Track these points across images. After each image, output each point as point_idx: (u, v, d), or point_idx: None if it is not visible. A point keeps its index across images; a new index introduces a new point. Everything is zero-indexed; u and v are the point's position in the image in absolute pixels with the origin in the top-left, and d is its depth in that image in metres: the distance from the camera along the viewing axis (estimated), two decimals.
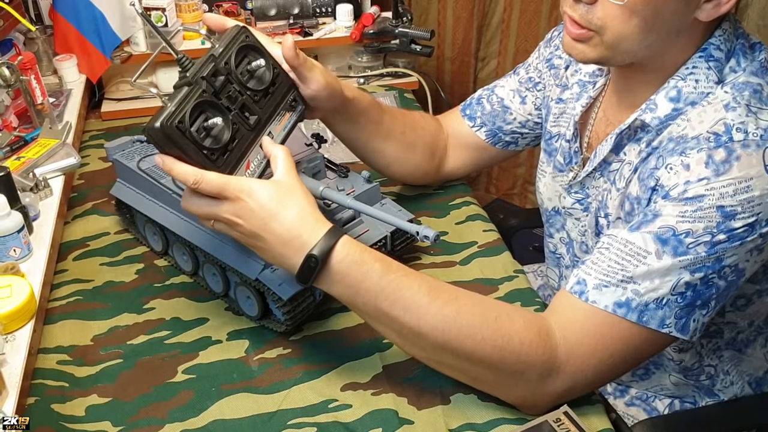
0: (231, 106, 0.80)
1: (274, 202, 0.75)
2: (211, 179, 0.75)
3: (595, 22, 0.78)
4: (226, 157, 0.78)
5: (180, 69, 0.79)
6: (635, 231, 0.77)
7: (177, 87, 0.77)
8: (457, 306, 0.76)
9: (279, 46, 0.88)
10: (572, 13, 0.80)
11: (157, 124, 0.73)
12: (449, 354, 0.77)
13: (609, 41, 0.79)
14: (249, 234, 0.76)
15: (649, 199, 0.79)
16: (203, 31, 0.91)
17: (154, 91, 0.81)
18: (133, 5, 0.84)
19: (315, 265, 0.74)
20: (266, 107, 0.84)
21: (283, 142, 0.86)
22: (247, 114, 0.81)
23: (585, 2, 0.78)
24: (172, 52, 0.81)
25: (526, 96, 1.09)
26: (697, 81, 0.81)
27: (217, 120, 0.78)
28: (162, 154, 0.77)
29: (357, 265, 0.75)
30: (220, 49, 0.80)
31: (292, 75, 0.88)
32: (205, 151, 0.76)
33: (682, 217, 0.74)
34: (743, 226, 0.73)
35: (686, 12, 0.77)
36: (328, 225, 0.76)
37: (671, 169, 0.77)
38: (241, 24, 0.85)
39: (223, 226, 0.78)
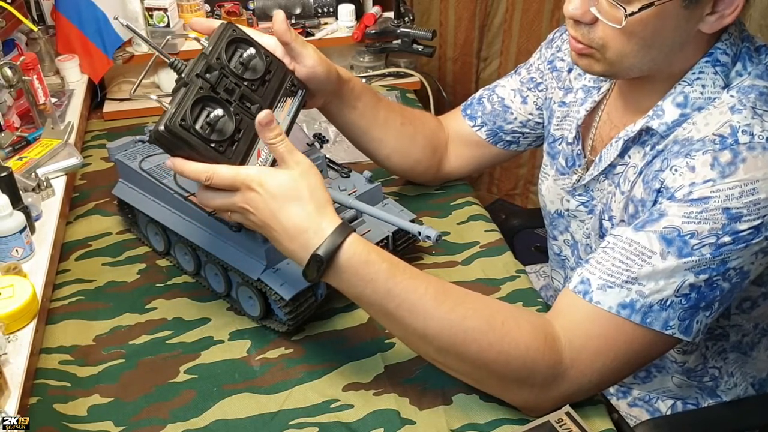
0: (230, 98, 0.80)
1: (282, 193, 0.75)
2: (223, 172, 0.76)
3: (596, 41, 0.79)
4: (234, 147, 0.79)
5: (176, 72, 0.81)
6: (640, 230, 0.77)
7: (175, 90, 0.79)
8: (464, 310, 0.76)
9: (268, 36, 0.89)
10: (574, 33, 0.81)
11: (162, 127, 0.74)
12: (454, 357, 0.77)
13: (611, 58, 0.80)
14: (260, 224, 0.77)
15: (655, 201, 0.79)
16: (192, 35, 0.92)
17: (154, 97, 0.82)
18: (117, 18, 0.86)
19: (320, 264, 0.74)
20: (266, 95, 0.84)
21: (289, 129, 0.87)
22: (248, 104, 0.82)
23: (585, 23, 0.79)
24: (164, 57, 0.83)
25: (527, 96, 1.09)
26: (704, 86, 0.80)
27: (219, 111, 0.78)
28: (172, 157, 0.77)
29: (364, 265, 0.75)
30: (210, 47, 0.82)
31: (285, 61, 0.89)
32: (212, 144, 0.77)
33: (687, 218, 0.74)
34: (748, 229, 0.73)
35: (687, 27, 0.77)
36: (337, 221, 0.75)
37: (676, 170, 0.76)
38: (226, 21, 0.86)
39: (239, 216, 0.78)
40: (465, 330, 0.75)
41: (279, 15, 0.87)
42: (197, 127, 0.76)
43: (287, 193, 0.75)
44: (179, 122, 0.74)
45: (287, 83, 0.88)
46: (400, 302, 0.75)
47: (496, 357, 0.75)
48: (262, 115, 0.76)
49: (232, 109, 0.79)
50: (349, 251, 0.75)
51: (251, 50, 0.84)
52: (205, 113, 0.78)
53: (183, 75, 0.79)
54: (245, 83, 0.82)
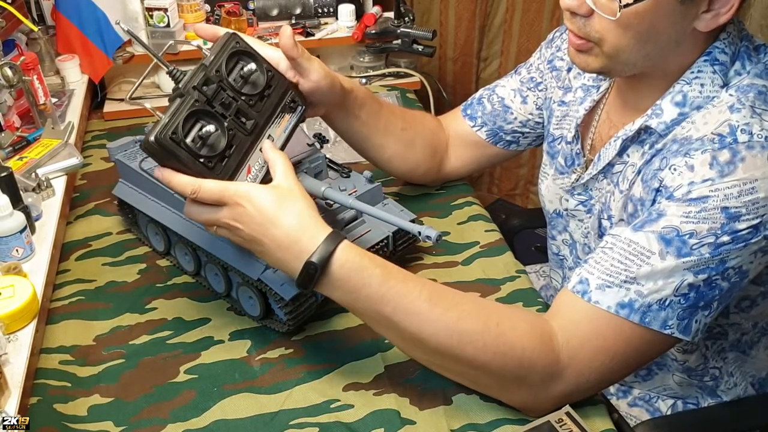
0: (225, 113, 0.80)
1: (273, 206, 0.75)
2: (209, 187, 0.76)
3: (593, 34, 0.79)
4: (224, 163, 0.79)
5: (173, 81, 0.80)
6: (639, 230, 0.77)
7: (171, 99, 0.78)
8: (459, 312, 0.76)
9: (273, 48, 0.88)
10: (571, 26, 0.81)
11: (152, 138, 0.74)
12: (450, 359, 0.77)
13: (608, 52, 0.80)
14: (249, 239, 0.77)
15: (653, 200, 0.79)
16: (194, 42, 0.92)
17: (148, 106, 0.82)
18: (119, 23, 0.85)
19: (314, 271, 0.74)
20: (263, 111, 0.84)
21: (284, 145, 0.86)
22: (243, 119, 0.81)
23: (581, 15, 0.79)
24: (162, 65, 0.83)
25: (527, 96, 1.09)
26: (702, 85, 0.80)
27: (211, 128, 0.78)
28: (161, 168, 0.77)
29: (357, 272, 0.75)
30: (211, 58, 0.81)
31: (290, 74, 0.88)
32: (201, 160, 0.77)
33: (686, 217, 0.74)
34: (747, 228, 0.73)
35: (683, 24, 0.77)
36: (328, 230, 0.76)
37: (675, 170, 0.76)
38: (232, 31, 0.85)
39: (225, 231, 0.78)
40: (460, 332, 0.75)
41: (286, 30, 0.86)
42: (188, 140, 0.76)
43: (277, 205, 0.75)
44: (170, 135, 0.74)
45: (287, 99, 0.87)
46: (394, 306, 0.75)
47: (492, 358, 0.75)
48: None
49: (226, 124, 0.79)
50: (341, 258, 0.75)
51: (252, 65, 0.83)
52: (198, 126, 0.77)
53: (180, 85, 0.78)
54: (243, 98, 0.82)
